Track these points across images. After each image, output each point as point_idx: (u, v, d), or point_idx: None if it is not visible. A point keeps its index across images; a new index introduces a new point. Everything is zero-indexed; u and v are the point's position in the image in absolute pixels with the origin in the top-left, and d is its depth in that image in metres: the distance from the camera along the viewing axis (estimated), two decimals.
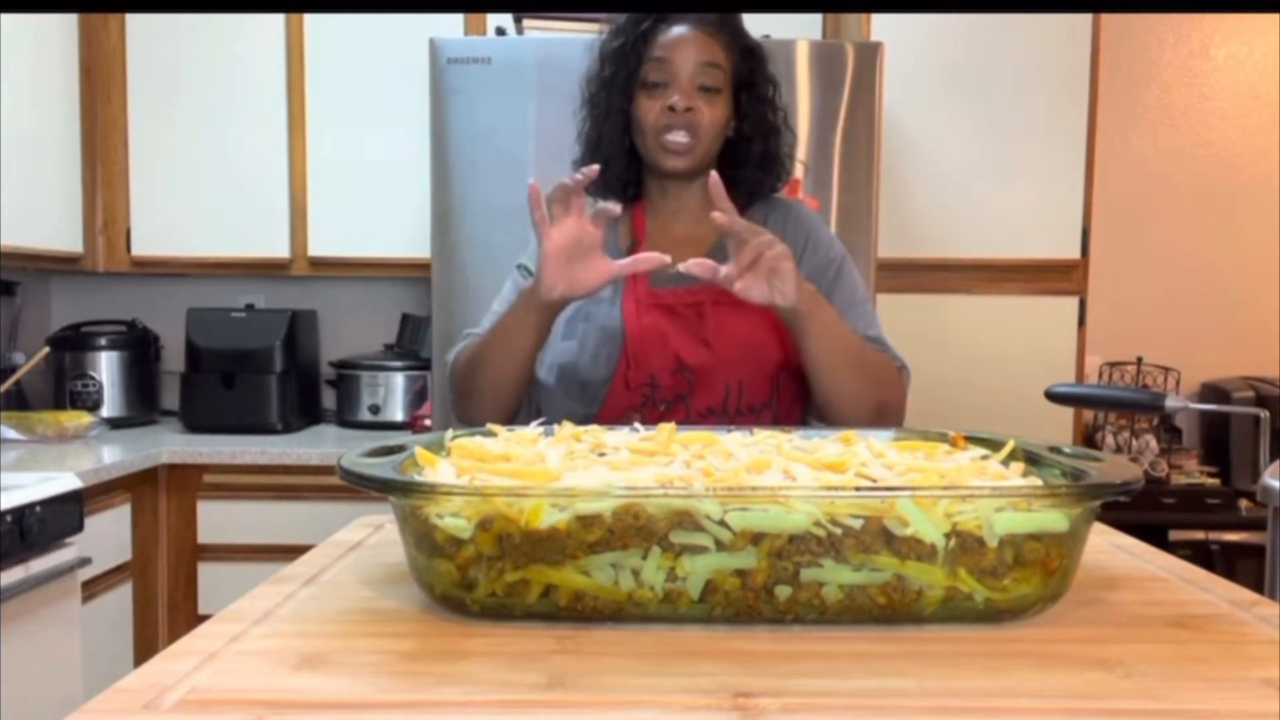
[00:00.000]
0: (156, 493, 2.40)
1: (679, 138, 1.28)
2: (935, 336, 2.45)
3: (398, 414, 2.74)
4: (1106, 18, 2.61)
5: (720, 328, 1.27)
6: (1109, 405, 2.41)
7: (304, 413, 2.79)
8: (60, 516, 1.89)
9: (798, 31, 2.52)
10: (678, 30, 1.29)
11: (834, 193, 2.19)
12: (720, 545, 0.65)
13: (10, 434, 2.39)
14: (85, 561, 1.96)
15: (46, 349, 2.64)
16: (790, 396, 1.30)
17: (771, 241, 1.13)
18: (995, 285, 2.50)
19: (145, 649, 2.34)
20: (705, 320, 1.27)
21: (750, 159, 1.35)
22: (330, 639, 0.64)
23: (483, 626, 0.67)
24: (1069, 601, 0.71)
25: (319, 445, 2.48)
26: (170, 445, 2.42)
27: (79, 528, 1.95)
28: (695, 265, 1.14)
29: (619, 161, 1.35)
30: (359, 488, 0.68)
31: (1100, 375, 3.00)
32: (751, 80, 1.34)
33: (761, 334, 1.28)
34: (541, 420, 0.95)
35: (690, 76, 1.28)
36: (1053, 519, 0.66)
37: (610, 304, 1.31)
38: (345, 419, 2.79)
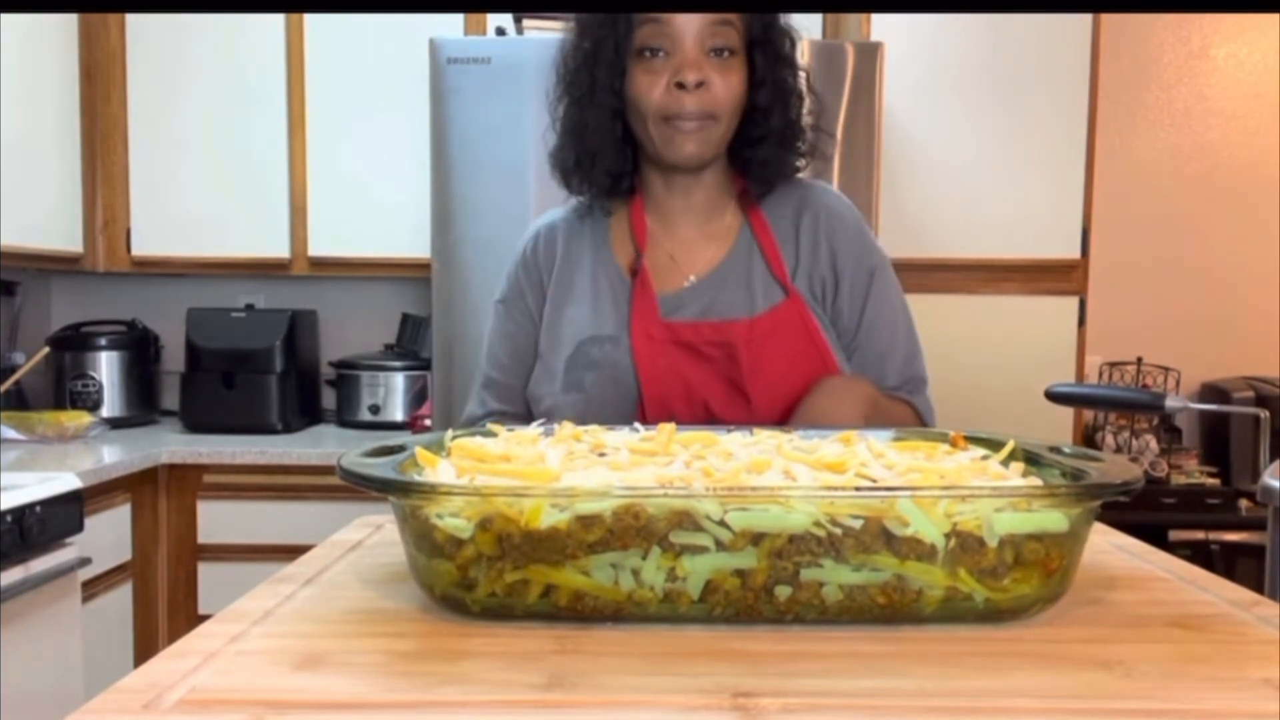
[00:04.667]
0: (156, 493, 2.40)
1: (693, 121, 1.05)
2: (935, 336, 2.42)
3: (398, 414, 2.74)
4: (1106, 18, 2.61)
5: (758, 374, 1.06)
6: (1109, 405, 2.41)
7: (304, 413, 2.79)
8: (60, 516, 1.89)
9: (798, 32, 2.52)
10: None
11: None
12: (720, 545, 0.65)
13: (10, 434, 2.39)
14: (85, 561, 1.96)
15: (46, 349, 2.64)
16: None
17: None
18: (995, 285, 2.50)
19: (145, 649, 2.34)
20: (739, 364, 1.07)
21: (770, 135, 1.11)
22: (330, 639, 0.64)
23: (483, 626, 0.67)
24: (1069, 601, 0.71)
25: (319, 445, 2.48)
26: (170, 445, 2.42)
27: (79, 528, 1.95)
28: None
29: (610, 152, 1.11)
30: (359, 488, 0.68)
31: (1100, 375, 3.00)
32: (766, 36, 1.10)
33: (805, 373, 1.07)
34: (542, 421, 0.95)
35: (698, 39, 1.04)
36: (1053, 519, 0.66)
37: (616, 344, 1.10)
38: (345, 419, 2.79)
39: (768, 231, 1.15)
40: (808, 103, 1.14)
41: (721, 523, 0.64)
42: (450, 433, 0.85)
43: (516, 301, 1.20)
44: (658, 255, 1.15)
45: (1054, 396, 1.91)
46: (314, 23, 2.65)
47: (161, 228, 2.70)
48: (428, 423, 2.47)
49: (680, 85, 1.04)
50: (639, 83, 1.06)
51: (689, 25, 1.04)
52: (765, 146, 1.11)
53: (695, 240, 1.15)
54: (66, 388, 2.68)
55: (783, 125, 1.11)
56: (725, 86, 1.05)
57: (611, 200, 1.17)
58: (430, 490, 0.67)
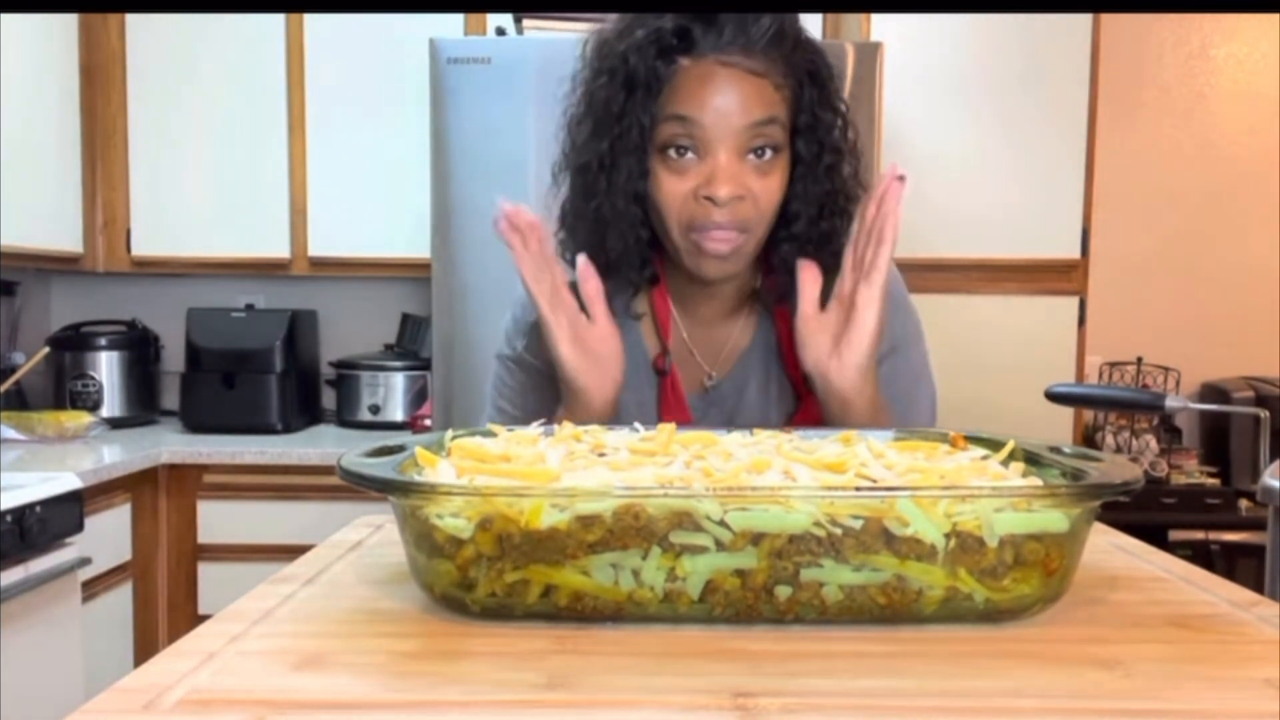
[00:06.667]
0: (156, 493, 2.40)
1: (722, 241, 0.90)
2: (935, 336, 2.42)
3: (398, 414, 2.74)
4: (1106, 18, 2.61)
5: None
6: (1109, 405, 2.41)
7: (304, 413, 2.79)
8: (60, 516, 1.89)
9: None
10: (711, 68, 0.87)
11: None
12: (720, 545, 0.64)
13: (10, 434, 2.39)
14: (85, 561, 1.96)
15: (46, 349, 2.64)
16: None
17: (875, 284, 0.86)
18: (995, 285, 2.50)
19: (145, 649, 2.34)
20: None
21: (799, 239, 0.97)
22: (330, 639, 0.64)
23: (483, 626, 0.67)
24: (1069, 601, 0.71)
25: (319, 445, 2.48)
26: (170, 445, 2.42)
27: (79, 528, 1.95)
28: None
29: (632, 253, 0.97)
30: (359, 488, 0.68)
31: (1100, 375, 3.00)
32: (814, 119, 0.93)
33: None
34: (542, 421, 0.95)
35: (734, 142, 0.88)
36: (1053, 519, 0.66)
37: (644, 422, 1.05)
38: (345, 419, 2.79)
39: (789, 324, 1.03)
40: (853, 188, 0.99)
41: (721, 523, 0.64)
42: (450, 433, 0.85)
43: (526, 364, 1.09)
44: (679, 347, 1.07)
45: (1054, 396, 1.91)
46: (314, 23, 2.65)
47: (161, 228, 2.70)
48: (428, 423, 2.47)
49: (709, 200, 0.89)
50: (663, 185, 0.91)
51: (725, 126, 0.87)
52: (797, 244, 0.97)
53: (716, 332, 1.06)
54: (66, 388, 2.68)
55: (815, 232, 0.97)
56: (765, 193, 0.91)
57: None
58: (430, 490, 0.67)
